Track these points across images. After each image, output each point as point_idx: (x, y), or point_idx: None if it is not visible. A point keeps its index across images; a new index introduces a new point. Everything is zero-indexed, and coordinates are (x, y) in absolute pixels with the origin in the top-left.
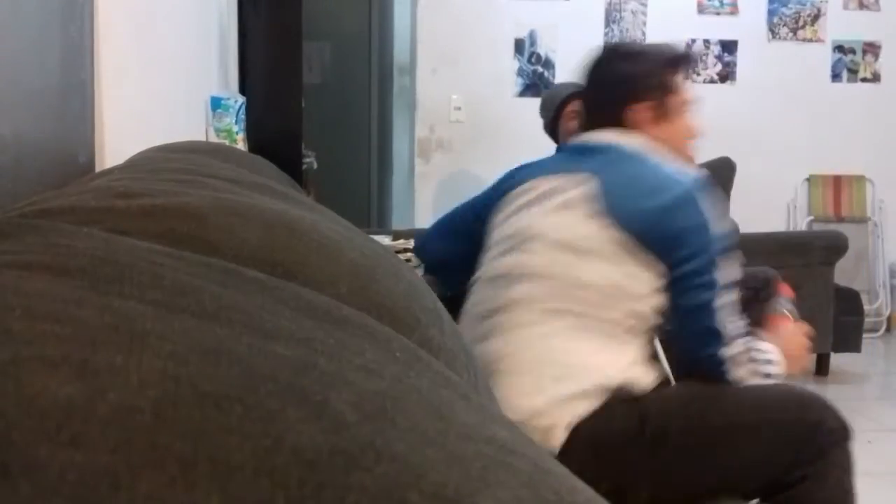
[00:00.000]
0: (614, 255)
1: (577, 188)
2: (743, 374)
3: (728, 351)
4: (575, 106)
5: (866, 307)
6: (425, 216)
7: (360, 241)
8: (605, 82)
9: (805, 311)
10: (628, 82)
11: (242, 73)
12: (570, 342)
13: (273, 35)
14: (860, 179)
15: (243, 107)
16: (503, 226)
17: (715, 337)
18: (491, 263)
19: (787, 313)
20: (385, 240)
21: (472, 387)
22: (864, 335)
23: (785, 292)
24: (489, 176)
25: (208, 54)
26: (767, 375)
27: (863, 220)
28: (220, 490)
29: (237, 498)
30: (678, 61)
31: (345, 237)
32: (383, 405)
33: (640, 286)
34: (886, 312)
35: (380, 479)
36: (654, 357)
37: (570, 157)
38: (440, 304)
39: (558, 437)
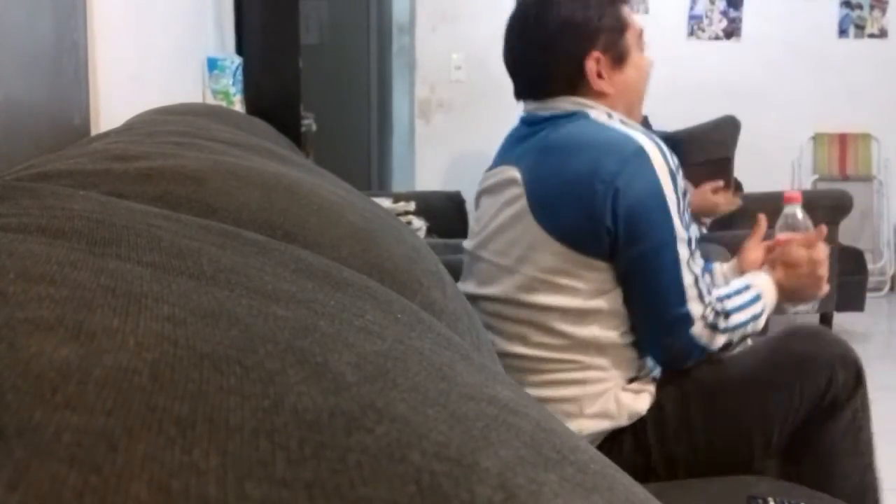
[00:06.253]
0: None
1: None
2: (721, 341)
3: (704, 327)
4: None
5: (870, 266)
6: (426, 178)
7: (360, 203)
8: (552, 32)
9: None
10: (582, 25)
11: (239, 33)
12: None
13: None
14: (866, 137)
15: (240, 68)
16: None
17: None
18: None
19: (798, 227)
20: (386, 202)
21: (475, 348)
22: (868, 294)
23: (792, 199)
24: (491, 136)
25: (204, 14)
26: (746, 337)
27: (868, 179)
28: (220, 451)
29: (237, 458)
30: None
31: (345, 199)
32: (384, 366)
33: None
34: (890, 272)
35: (381, 439)
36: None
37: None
38: (442, 267)
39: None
